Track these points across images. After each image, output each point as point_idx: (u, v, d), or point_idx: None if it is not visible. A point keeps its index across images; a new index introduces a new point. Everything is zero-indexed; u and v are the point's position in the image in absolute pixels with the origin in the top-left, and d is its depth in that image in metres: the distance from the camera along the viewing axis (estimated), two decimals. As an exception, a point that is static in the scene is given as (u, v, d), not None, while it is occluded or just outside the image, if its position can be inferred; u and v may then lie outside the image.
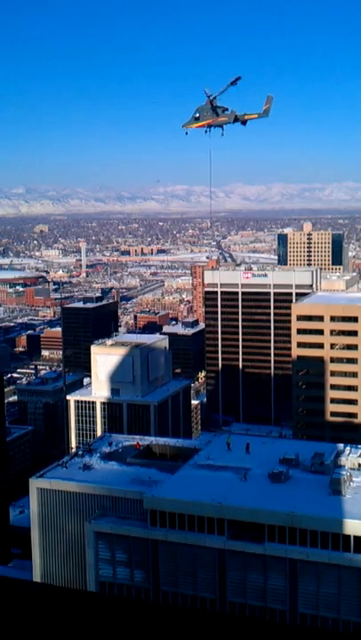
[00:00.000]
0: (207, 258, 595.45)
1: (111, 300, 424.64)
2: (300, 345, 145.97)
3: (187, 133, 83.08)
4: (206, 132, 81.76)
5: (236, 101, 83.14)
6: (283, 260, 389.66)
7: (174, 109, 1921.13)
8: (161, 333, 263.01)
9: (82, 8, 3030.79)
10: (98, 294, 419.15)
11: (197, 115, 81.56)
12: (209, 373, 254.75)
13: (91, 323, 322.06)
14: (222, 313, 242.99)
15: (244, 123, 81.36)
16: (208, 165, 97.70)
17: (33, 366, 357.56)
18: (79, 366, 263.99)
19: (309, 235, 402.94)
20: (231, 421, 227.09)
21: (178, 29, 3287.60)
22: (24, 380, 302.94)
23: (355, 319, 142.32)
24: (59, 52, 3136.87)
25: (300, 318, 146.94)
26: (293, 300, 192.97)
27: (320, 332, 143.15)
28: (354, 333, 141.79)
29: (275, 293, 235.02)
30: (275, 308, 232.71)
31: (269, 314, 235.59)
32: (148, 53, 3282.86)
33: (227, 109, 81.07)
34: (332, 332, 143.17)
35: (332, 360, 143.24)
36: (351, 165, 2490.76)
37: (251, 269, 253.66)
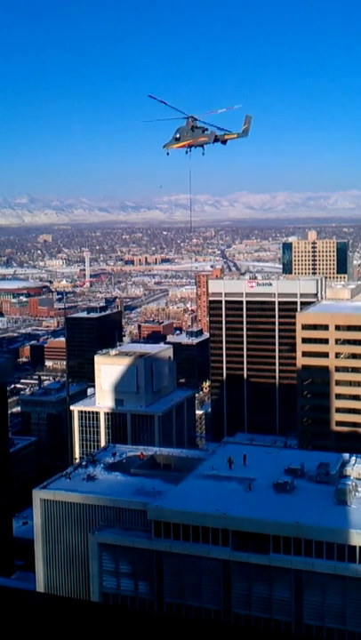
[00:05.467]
0: (211, 267, 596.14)
1: (115, 310, 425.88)
2: (304, 354, 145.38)
3: (168, 154, 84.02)
4: (187, 152, 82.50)
5: (237, 111, 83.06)
6: (287, 269, 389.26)
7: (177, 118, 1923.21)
8: (165, 343, 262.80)
9: (88, 15, 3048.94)
10: (102, 304, 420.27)
11: (178, 135, 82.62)
12: (213, 383, 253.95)
13: (94, 333, 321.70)
14: (227, 322, 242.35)
15: (224, 142, 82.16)
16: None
17: (36, 377, 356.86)
18: (83, 376, 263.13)
19: (314, 243, 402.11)
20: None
21: (179, 35, 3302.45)
22: (27, 390, 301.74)
23: (360, 328, 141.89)
24: (62, 62, 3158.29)
25: (304, 327, 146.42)
26: (298, 309, 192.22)
27: (325, 341, 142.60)
28: (359, 342, 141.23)
29: (279, 302, 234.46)
30: (279, 317, 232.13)
31: (274, 323, 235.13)
32: (151, 61, 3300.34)
33: (206, 129, 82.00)
34: (337, 341, 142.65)
35: (338, 369, 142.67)
36: (356, 174, 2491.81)
37: (255, 278, 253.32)
